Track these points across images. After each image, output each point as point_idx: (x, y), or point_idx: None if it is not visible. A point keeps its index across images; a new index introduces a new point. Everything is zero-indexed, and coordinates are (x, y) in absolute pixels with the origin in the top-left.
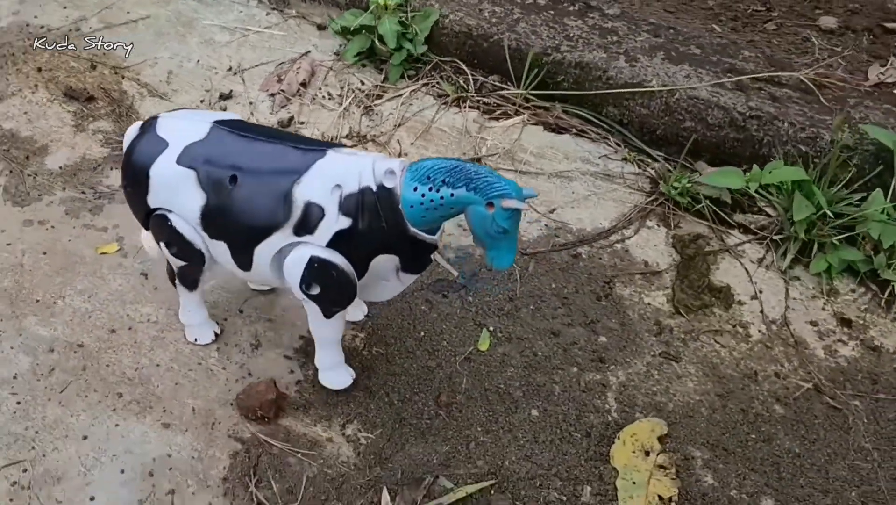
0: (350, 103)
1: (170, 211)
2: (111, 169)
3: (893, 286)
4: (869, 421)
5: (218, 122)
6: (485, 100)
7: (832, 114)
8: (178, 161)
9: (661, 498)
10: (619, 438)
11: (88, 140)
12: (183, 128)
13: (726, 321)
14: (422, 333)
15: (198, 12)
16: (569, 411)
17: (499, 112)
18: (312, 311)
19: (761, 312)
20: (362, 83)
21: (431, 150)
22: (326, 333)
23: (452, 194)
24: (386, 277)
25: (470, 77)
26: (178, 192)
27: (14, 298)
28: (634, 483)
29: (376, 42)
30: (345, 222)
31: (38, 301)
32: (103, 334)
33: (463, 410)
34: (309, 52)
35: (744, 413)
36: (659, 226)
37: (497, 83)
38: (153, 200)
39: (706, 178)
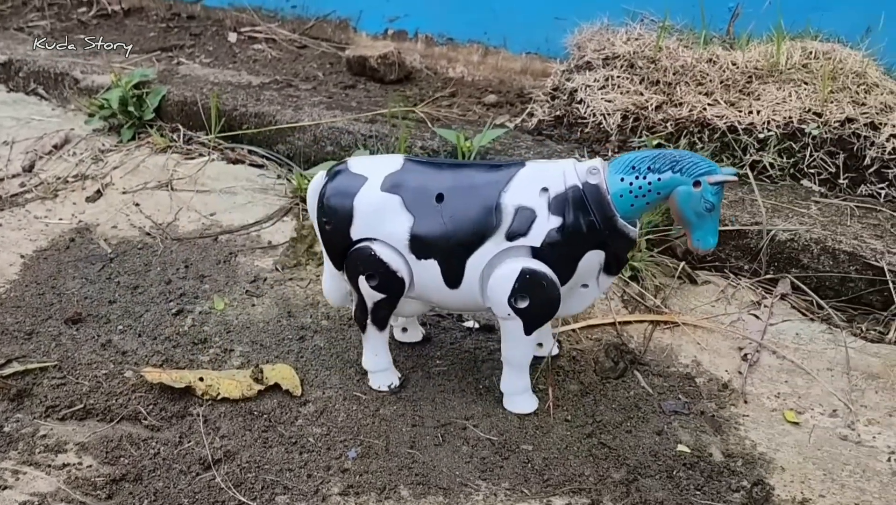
0: (86, 157)
1: (374, 240)
2: None
3: None
4: None
5: (408, 158)
6: (187, 146)
7: (431, 132)
8: (382, 188)
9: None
10: None
11: None
12: (377, 163)
13: (315, 274)
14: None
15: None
16: (161, 324)
17: (196, 154)
18: (513, 330)
19: None
20: (103, 144)
21: (136, 181)
22: (520, 355)
23: (660, 179)
24: (587, 281)
25: (182, 133)
26: (384, 217)
27: None
28: None
29: (117, 112)
30: (556, 221)
31: None
32: None
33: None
34: (73, 129)
35: (292, 319)
36: (293, 220)
37: (200, 135)
38: (357, 231)
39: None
